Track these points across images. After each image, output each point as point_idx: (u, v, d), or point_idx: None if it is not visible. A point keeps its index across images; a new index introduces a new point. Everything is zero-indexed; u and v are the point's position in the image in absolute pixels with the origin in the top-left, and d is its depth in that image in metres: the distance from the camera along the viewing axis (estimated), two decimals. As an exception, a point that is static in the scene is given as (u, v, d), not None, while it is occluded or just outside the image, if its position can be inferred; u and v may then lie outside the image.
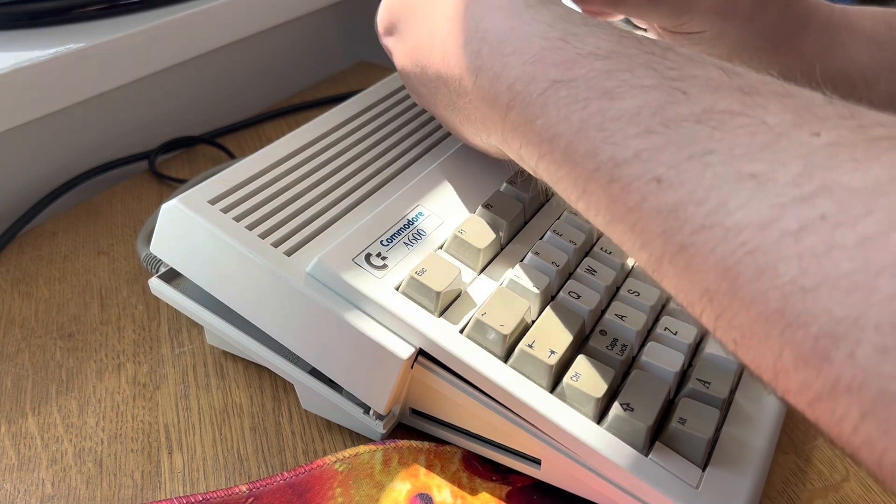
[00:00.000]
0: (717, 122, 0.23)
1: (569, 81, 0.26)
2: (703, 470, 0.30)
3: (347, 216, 0.36)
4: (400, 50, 0.36)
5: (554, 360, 0.31)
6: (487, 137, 0.32)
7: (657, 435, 0.31)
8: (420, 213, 0.36)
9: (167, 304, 0.37)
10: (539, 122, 0.27)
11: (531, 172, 0.30)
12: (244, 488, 0.32)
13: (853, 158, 0.20)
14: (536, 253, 0.36)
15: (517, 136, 0.29)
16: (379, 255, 0.33)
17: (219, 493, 0.32)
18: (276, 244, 0.33)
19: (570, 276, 0.36)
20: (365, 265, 0.33)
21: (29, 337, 0.42)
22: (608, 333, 0.33)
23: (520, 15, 0.29)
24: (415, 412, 0.35)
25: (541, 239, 0.37)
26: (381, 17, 0.38)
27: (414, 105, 0.44)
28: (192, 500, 0.32)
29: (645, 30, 0.50)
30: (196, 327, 0.42)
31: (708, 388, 0.32)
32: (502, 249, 0.36)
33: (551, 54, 0.27)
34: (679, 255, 0.23)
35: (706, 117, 0.23)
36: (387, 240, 0.34)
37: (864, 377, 0.18)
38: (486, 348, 0.32)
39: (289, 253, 0.33)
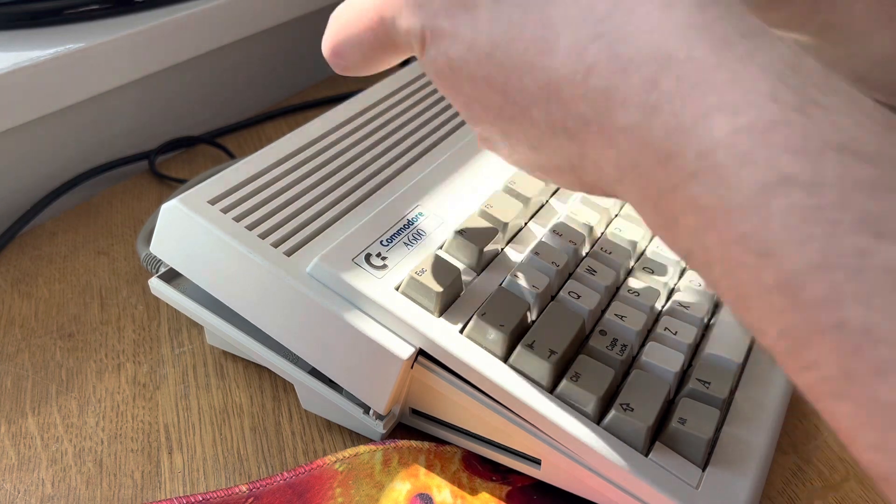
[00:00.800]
0: None
1: (811, 186, 0.18)
2: (703, 470, 0.30)
3: (347, 216, 0.36)
4: (476, 33, 0.25)
5: (554, 360, 0.31)
6: (610, 185, 0.24)
7: (657, 435, 0.31)
8: (420, 213, 0.36)
9: (167, 304, 0.37)
10: (745, 225, 0.19)
11: (672, 242, 0.22)
12: (244, 488, 0.32)
13: None
14: (536, 253, 0.36)
15: (693, 215, 0.20)
16: (379, 255, 0.33)
17: (219, 493, 0.32)
18: (276, 244, 0.33)
19: (570, 276, 0.36)
20: (365, 265, 0.33)
21: (29, 337, 0.42)
22: (608, 333, 0.33)
23: (732, 44, 0.20)
24: (415, 412, 0.35)
25: (541, 239, 0.37)
26: None
27: (414, 105, 0.44)
28: (192, 500, 0.32)
29: None
30: (196, 327, 0.42)
31: (708, 388, 0.32)
32: (502, 249, 0.37)
33: (785, 130, 0.19)
34: None
35: None
36: (387, 240, 0.34)
37: None
38: (486, 348, 0.32)
39: (289, 253, 0.33)
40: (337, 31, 0.29)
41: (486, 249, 0.35)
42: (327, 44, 0.29)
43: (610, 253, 0.38)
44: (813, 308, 0.18)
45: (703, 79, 0.20)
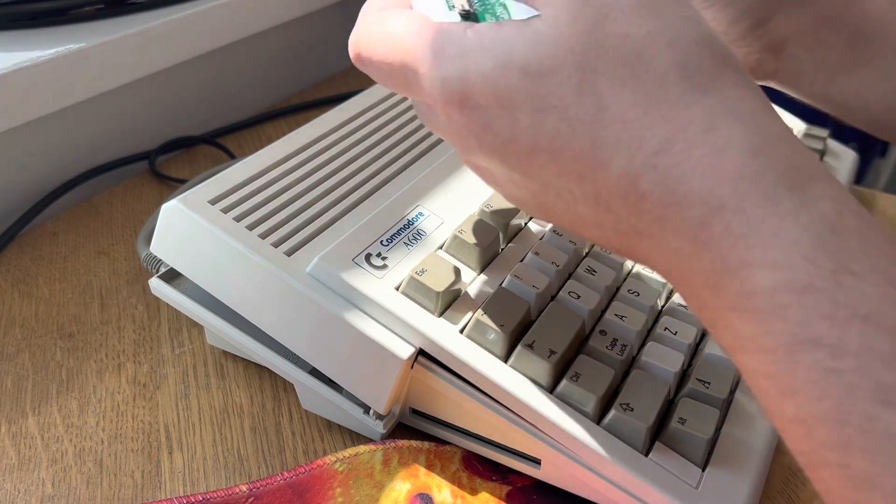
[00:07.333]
0: None
1: (835, 350, 0.20)
2: (703, 470, 0.30)
3: (347, 216, 0.36)
4: (516, 131, 0.25)
5: (554, 360, 0.31)
6: (652, 268, 0.26)
7: (657, 435, 0.31)
8: (420, 213, 0.36)
9: (167, 304, 0.37)
10: (774, 366, 0.22)
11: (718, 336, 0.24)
12: (244, 488, 0.32)
13: None
14: (536, 253, 0.36)
15: (730, 337, 0.23)
16: (379, 255, 0.33)
17: (219, 493, 0.32)
18: (277, 244, 0.33)
19: (570, 276, 0.36)
20: (365, 265, 0.33)
21: (29, 337, 0.42)
22: (608, 333, 0.33)
23: (778, 199, 0.22)
24: (415, 412, 0.35)
25: (541, 239, 0.37)
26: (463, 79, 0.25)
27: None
28: (192, 500, 0.32)
29: None
30: (196, 327, 0.42)
31: (708, 388, 0.32)
32: (502, 249, 0.37)
33: (818, 295, 0.21)
34: None
35: None
36: (387, 240, 0.34)
37: None
38: (486, 348, 0.32)
39: (289, 253, 0.33)
40: (363, 43, 0.28)
41: (485, 249, 0.35)
42: (353, 49, 0.28)
43: (610, 253, 0.38)
44: (824, 447, 0.21)
45: (749, 231, 0.22)
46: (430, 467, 0.33)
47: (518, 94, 0.24)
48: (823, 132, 0.54)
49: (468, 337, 0.32)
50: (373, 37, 0.27)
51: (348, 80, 0.72)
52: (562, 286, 0.36)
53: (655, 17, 0.24)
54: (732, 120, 0.23)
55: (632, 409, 0.30)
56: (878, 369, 0.20)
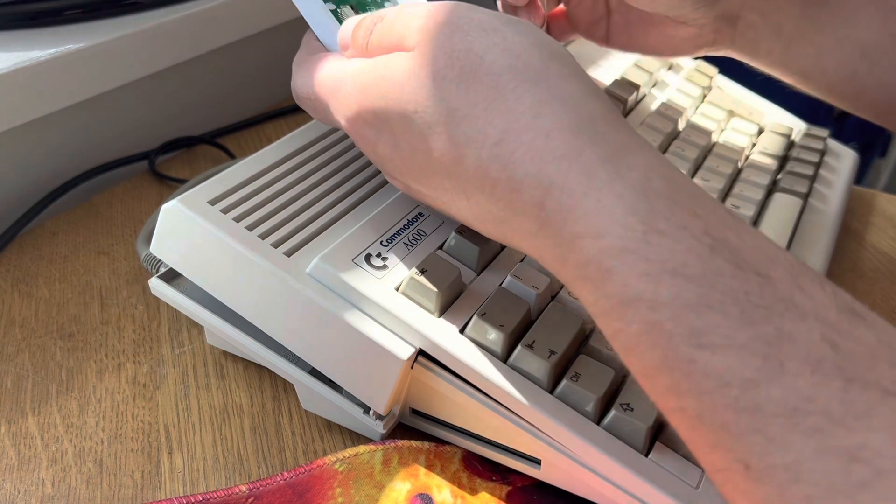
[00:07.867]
0: (811, 428, 0.20)
1: (652, 304, 0.23)
2: (704, 470, 0.30)
3: (347, 216, 0.36)
4: (396, 143, 0.30)
5: (554, 360, 0.31)
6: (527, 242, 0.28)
7: (657, 435, 0.31)
8: (420, 214, 0.36)
9: (167, 304, 0.37)
10: (614, 326, 0.24)
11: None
12: (244, 488, 0.32)
13: None
14: (536, 253, 0.36)
15: (587, 304, 0.25)
16: (379, 255, 0.33)
17: (219, 493, 0.32)
18: (276, 245, 0.33)
19: (570, 276, 0.36)
20: (365, 265, 0.33)
21: (29, 337, 0.42)
22: (608, 333, 0.33)
23: (595, 174, 0.25)
24: (415, 412, 0.35)
25: (541, 239, 0.37)
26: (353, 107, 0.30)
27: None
28: (192, 500, 0.32)
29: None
30: (196, 327, 0.42)
31: (708, 388, 0.32)
32: (502, 249, 0.37)
33: (633, 256, 0.23)
34: None
35: (798, 418, 0.21)
36: (387, 240, 0.34)
37: None
38: (486, 348, 0.32)
39: (289, 253, 0.33)
40: (297, 88, 0.35)
41: (485, 249, 0.35)
42: (293, 93, 0.35)
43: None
44: (662, 395, 0.24)
45: (575, 205, 0.25)
46: (430, 467, 0.33)
47: (388, 103, 0.28)
48: (823, 132, 0.54)
49: (468, 337, 0.32)
50: (301, 81, 0.34)
51: (348, 80, 0.72)
52: (562, 286, 0.36)
53: (493, 34, 0.28)
54: (556, 105, 0.26)
55: (632, 409, 0.30)
56: (689, 316, 0.22)
